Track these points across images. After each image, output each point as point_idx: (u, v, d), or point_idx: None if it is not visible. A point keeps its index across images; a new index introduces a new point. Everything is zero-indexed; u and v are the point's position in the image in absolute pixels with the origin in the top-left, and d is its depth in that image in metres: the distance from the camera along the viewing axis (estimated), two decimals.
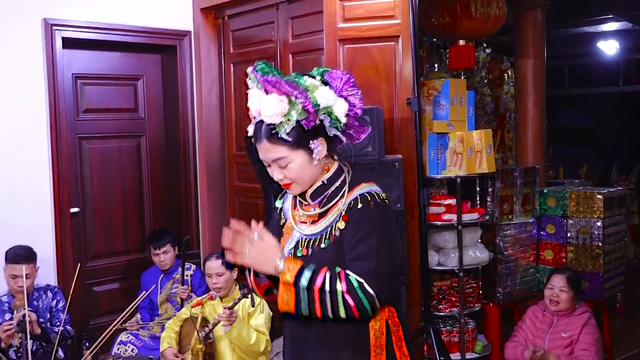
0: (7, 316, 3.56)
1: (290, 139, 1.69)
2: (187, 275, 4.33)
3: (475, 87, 4.23)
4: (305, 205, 1.84)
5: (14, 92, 4.00)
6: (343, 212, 1.73)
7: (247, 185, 4.65)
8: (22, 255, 3.58)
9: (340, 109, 1.73)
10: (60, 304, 3.66)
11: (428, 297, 3.39)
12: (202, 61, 4.78)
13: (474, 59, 4.12)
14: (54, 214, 4.17)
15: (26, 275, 3.46)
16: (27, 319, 3.29)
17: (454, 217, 3.60)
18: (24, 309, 3.25)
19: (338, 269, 1.65)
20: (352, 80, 1.77)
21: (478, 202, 4.01)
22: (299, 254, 1.79)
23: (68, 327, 3.62)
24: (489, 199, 4.02)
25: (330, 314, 1.62)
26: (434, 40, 4.15)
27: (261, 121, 1.72)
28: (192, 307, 3.73)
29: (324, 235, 1.76)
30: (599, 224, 4.10)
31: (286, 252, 1.83)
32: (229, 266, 1.88)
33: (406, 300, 3.27)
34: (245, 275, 1.87)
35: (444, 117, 3.65)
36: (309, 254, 1.77)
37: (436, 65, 4.10)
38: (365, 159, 3.22)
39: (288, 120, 1.66)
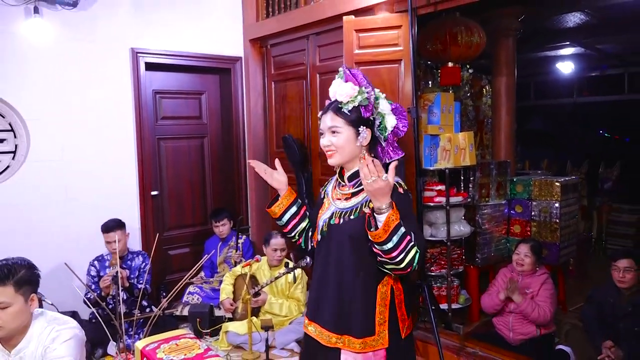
0: (108, 270, 3.63)
1: (349, 115, 1.72)
2: (239, 243, 4.37)
3: (460, 99, 4.16)
4: (343, 185, 1.82)
5: (109, 105, 4.04)
6: (369, 199, 1.67)
7: None
8: (112, 225, 3.64)
9: (390, 121, 1.77)
10: (147, 267, 3.71)
11: (423, 261, 3.37)
12: (250, 80, 4.78)
13: (460, 77, 4.06)
14: (139, 196, 4.22)
15: (118, 240, 3.52)
16: (119, 275, 3.35)
17: (443, 199, 3.57)
18: (117, 266, 3.32)
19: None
20: (405, 113, 1.83)
21: (462, 188, 3.97)
22: (332, 222, 1.77)
23: (147, 286, 3.68)
24: (470, 185, 3.97)
25: (400, 254, 1.58)
26: (429, 62, 4.09)
27: (334, 101, 1.76)
28: (242, 267, 3.77)
29: (354, 210, 1.74)
30: (556, 205, 4.03)
31: (321, 221, 1.83)
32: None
33: None
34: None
35: (436, 122, 3.61)
36: (340, 222, 1.75)
37: (430, 82, 4.04)
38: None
39: (353, 100, 1.71)
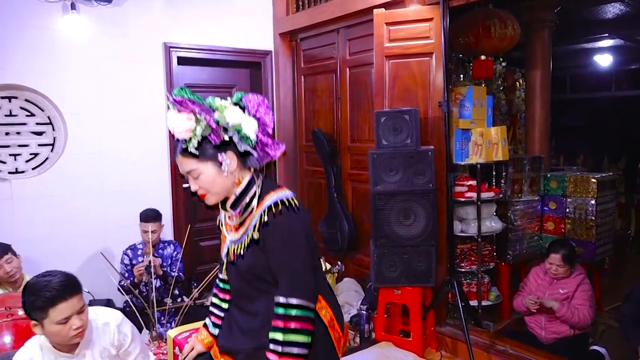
0: (140, 259, 3.70)
1: (198, 153, 1.48)
2: None
3: (493, 93, 4.07)
4: (230, 215, 1.62)
5: (143, 99, 4.13)
6: (256, 224, 1.51)
7: (313, 168, 4.67)
8: (150, 215, 3.70)
9: (250, 127, 1.50)
10: (179, 255, 3.78)
11: (453, 257, 3.33)
12: (280, 74, 4.80)
13: (493, 70, 3.98)
14: (171, 188, 4.30)
15: (153, 230, 3.59)
16: (152, 263, 3.43)
17: (474, 195, 3.52)
18: (151, 255, 3.39)
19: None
20: (266, 102, 1.56)
21: (494, 183, 3.90)
22: (229, 259, 1.62)
23: (181, 273, 3.73)
24: (502, 181, 3.90)
25: (301, 350, 1.45)
26: (461, 55, 4.01)
27: (178, 140, 1.52)
28: None
29: (242, 243, 1.55)
30: (592, 202, 3.91)
31: (223, 258, 1.68)
32: None
33: (436, 259, 3.23)
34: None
35: (468, 116, 3.56)
36: (235, 259, 1.58)
37: (462, 75, 3.97)
38: (405, 149, 3.18)
39: (195, 135, 1.46)
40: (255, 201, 1.54)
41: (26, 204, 3.66)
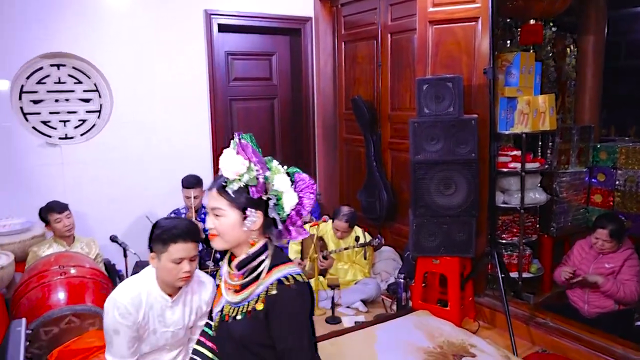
0: None
1: (233, 196, 1.47)
2: None
3: (542, 59, 3.90)
4: (232, 273, 1.55)
5: (185, 66, 4.18)
6: (262, 294, 1.48)
7: (352, 136, 4.64)
8: (192, 181, 3.80)
9: (289, 200, 1.50)
10: None
11: (494, 228, 3.29)
12: (320, 40, 4.75)
13: (542, 35, 3.80)
14: (212, 155, 4.38)
15: (195, 196, 3.69)
16: None
17: (518, 165, 3.44)
18: (193, 219, 3.49)
19: None
20: (313, 188, 1.54)
21: (540, 153, 3.78)
22: (223, 319, 1.57)
23: None
24: (549, 151, 3.78)
25: None
26: (508, 20, 3.85)
27: (221, 176, 1.51)
28: (310, 226, 3.85)
29: (241, 308, 1.51)
30: None
31: (214, 315, 1.62)
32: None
33: (476, 230, 3.19)
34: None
35: (514, 84, 3.44)
36: (229, 321, 1.53)
37: (509, 41, 3.81)
38: (447, 118, 3.12)
39: (239, 179, 1.46)
40: (265, 269, 1.50)
41: (75, 168, 3.81)
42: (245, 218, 1.47)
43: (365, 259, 3.76)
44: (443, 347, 2.95)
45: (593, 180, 4.01)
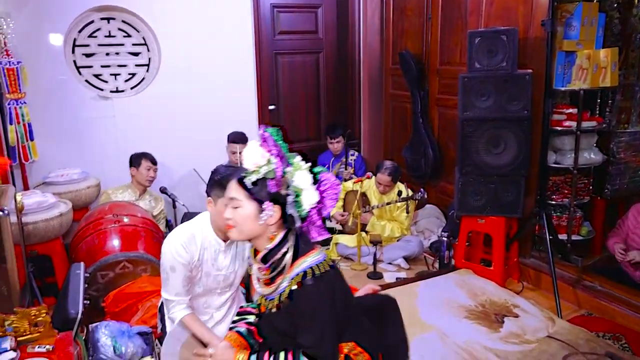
0: None
1: (250, 188, 1.48)
2: (351, 160, 4.44)
3: (606, 10, 3.64)
4: (260, 267, 1.57)
5: (230, 20, 4.16)
6: (287, 288, 1.48)
7: (399, 92, 4.54)
8: (238, 137, 3.86)
9: (309, 198, 1.48)
10: None
11: (544, 188, 3.20)
12: None
13: None
14: (258, 109, 4.41)
15: (240, 152, 3.74)
16: None
17: (573, 124, 3.28)
18: None
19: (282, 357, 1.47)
20: (338, 187, 1.52)
21: (597, 111, 3.59)
22: (259, 307, 1.63)
23: None
24: (607, 109, 3.57)
25: None
26: None
27: (243, 168, 1.52)
28: (354, 183, 3.86)
29: (273, 301, 1.53)
30: None
31: (255, 300, 1.68)
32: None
33: (525, 190, 3.11)
34: None
35: (574, 36, 3.23)
36: (265, 311, 1.58)
37: None
38: (499, 73, 2.99)
39: (258, 172, 1.46)
40: (288, 263, 1.50)
41: (126, 121, 3.93)
42: (261, 211, 1.47)
43: (407, 212, 3.74)
44: (485, 305, 2.95)
45: None
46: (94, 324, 2.45)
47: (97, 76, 3.86)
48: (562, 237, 3.40)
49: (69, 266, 2.71)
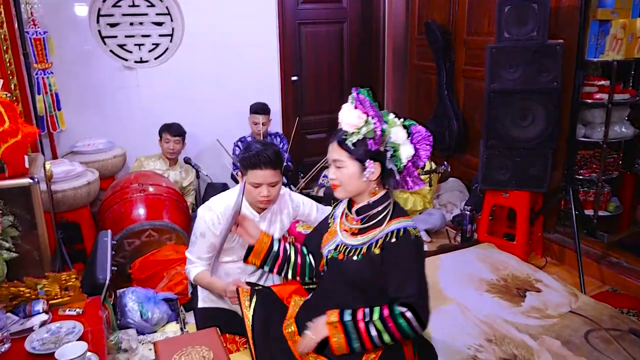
0: None
1: (352, 148, 1.58)
2: None
3: None
4: (351, 217, 1.70)
5: None
6: (380, 240, 1.58)
7: (424, 63, 4.45)
8: (261, 107, 3.85)
9: (406, 151, 1.60)
10: (285, 147, 3.93)
11: (572, 163, 3.13)
12: None
13: None
14: (280, 80, 4.38)
15: (263, 122, 3.75)
16: None
17: (605, 96, 3.17)
18: None
19: (377, 312, 1.53)
20: (429, 138, 1.63)
21: (631, 84, 3.46)
22: (335, 256, 1.67)
23: (289, 163, 3.90)
24: None
25: (378, 342, 1.52)
26: None
27: (340, 130, 1.62)
28: None
29: (358, 250, 1.62)
30: None
31: (326, 252, 1.74)
32: None
33: (552, 164, 3.05)
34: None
35: (610, 5, 3.10)
36: (344, 259, 1.64)
37: None
38: (529, 43, 2.90)
39: (358, 133, 1.56)
40: (387, 218, 1.61)
41: (150, 91, 3.95)
42: (364, 169, 1.58)
43: (430, 186, 3.71)
44: (507, 280, 2.94)
45: None
46: (121, 290, 2.52)
47: (121, 46, 3.87)
48: (589, 212, 3.35)
49: (96, 233, 2.78)
